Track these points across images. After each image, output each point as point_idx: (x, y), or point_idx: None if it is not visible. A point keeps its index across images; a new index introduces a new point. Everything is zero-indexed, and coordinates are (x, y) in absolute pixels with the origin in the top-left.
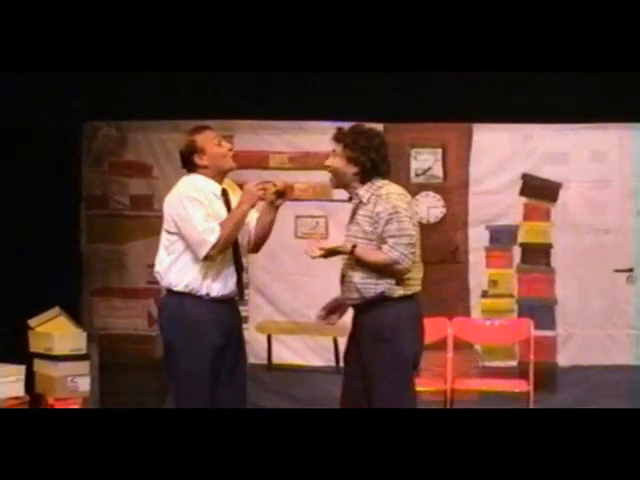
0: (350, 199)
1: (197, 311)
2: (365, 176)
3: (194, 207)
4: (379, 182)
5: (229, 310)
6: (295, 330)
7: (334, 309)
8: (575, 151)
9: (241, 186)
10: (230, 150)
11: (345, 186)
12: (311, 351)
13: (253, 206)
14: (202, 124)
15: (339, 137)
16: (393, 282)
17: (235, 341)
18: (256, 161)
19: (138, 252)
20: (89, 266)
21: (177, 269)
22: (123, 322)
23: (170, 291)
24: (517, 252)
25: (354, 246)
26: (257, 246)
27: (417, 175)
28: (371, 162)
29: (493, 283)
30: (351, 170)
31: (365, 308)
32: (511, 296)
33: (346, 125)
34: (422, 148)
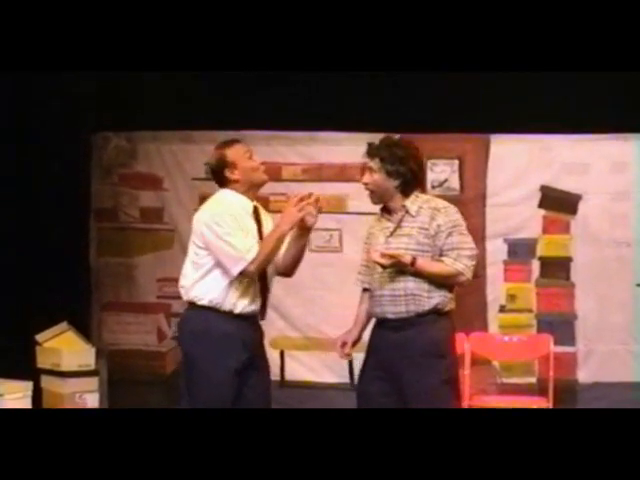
0: (385, 211)
1: (220, 325)
2: (406, 188)
3: (230, 224)
4: (423, 195)
5: (251, 326)
6: (309, 346)
7: (357, 339)
8: (595, 162)
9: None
10: (262, 164)
11: (387, 201)
12: (325, 367)
13: (293, 227)
14: (232, 138)
15: (373, 152)
16: (447, 295)
17: (258, 358)
18: (269, 173)
19: (148, 266)
20: (98, 280)
21: (204, 284)
22: (133, 337)
23: (192, 305)
24: (536, 266)
25: (414, 258)
26: (290, 269)
27: (433, 187)
28: (411, 172)
29: (511, 297)
30: (392, 184)
31: (412, 322)
32: (530, 311)
33: (375, 139)
34: (438, 159)
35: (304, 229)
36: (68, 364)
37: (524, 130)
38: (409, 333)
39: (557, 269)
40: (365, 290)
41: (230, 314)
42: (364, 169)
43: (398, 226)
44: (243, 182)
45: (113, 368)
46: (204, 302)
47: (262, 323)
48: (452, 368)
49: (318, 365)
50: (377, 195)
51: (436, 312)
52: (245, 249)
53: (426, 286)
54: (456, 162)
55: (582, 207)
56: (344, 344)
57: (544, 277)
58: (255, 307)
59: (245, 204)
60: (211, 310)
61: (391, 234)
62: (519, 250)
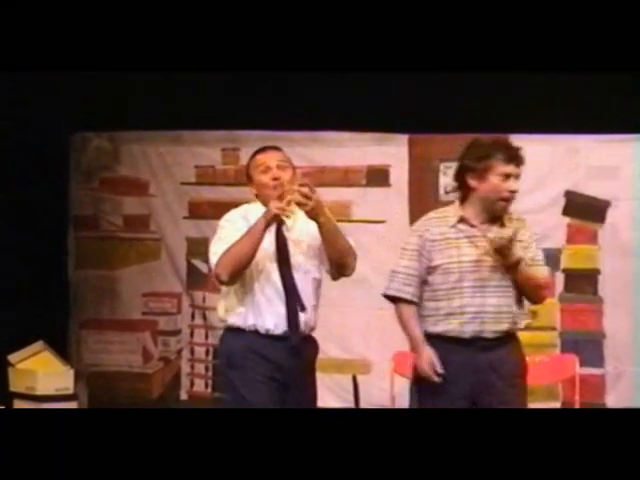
0: (464, 220)
1: (244, 347)
2: None
3: (231, 227)
4: None
5: (281, 348)
6: None
7: None
8: (625, 165)
9: None
10: (275, 179)
11: None
12: (328, 391)
13: (269, 223)
14: (268, 145)
15: (522, 158)
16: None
17: (294, 382)
18: None
19: (133, 279)
20: (77, 295)
21: (225, 303)
22: (116, 358)
23: (225, 325)
24: (560, 279)
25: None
26: (338, 270)
27: (446, 192)
28: None
29: (533, 314)
30: None
31: (503, 341)
32: (553, 329)
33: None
34: (452, 162)
35: (312, 219)
36: (44, 387)
37: (547, 130)
38: (501, 353)
39: (583, 283)
40: (411, 303)
41: (257, 334)
42: (510, 175)
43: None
44: (261, 197)
45: (94, 392)
46: (228, 323)
47: None
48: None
49: (320, 388)
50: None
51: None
52: (211, 252)
53: (517, 301)
54: None
55: (611, 214)
56: (433, 363)
57: (569, 292)
58: (282, 327)
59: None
60: (236, 331)
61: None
62: None
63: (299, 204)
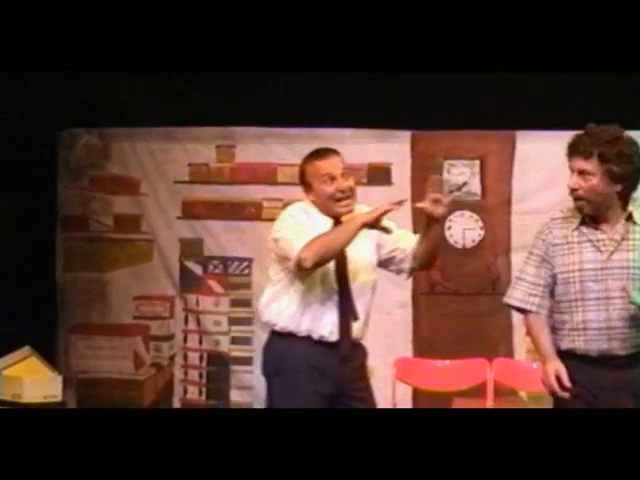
0: (591, 220)
1: (295, 355)
2: (629, 193)
3: (294, 221)
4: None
5: (332, 356)
6: None
7: None
8: None
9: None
10: (342, 191)
11: (604, 211)
12: None
13: (367, 225)
14: (326, 147)
15: (588, 150)
16: None
17: (343, 392)
18: (262, 175)
19: (123, 282)
20: (65, 298)
21: (277, 306)
22: (106, 364)
23: (272, 330)
24: None
25: None
26: (423, 264)
27: (451, 191)
28: (638, 173)
29: None
30: (614, 189)
31: (636, 359)
32: None
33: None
34: (457, 160)
35: (432, 220)
36: (31, 395)
37: (556, 126)
38: (635, 371)
39: None
40: (536, 314)
41: (309, 340)
42: (573, 171)
43: (623, 239)
44: (319, 206)
45: (83, 399)
46: (277, 328)
47: (256, 347)
48: None
49: None
50: (593, 205)
51: None
52: (296, 239)
53: None
54: (477, 163)
55: None
56: (559, 377)
57: None
58: (335, 333)
59: (321, 222)
60: (286, 336)
61: (615, 249)
62: None
63: (432, 208)
